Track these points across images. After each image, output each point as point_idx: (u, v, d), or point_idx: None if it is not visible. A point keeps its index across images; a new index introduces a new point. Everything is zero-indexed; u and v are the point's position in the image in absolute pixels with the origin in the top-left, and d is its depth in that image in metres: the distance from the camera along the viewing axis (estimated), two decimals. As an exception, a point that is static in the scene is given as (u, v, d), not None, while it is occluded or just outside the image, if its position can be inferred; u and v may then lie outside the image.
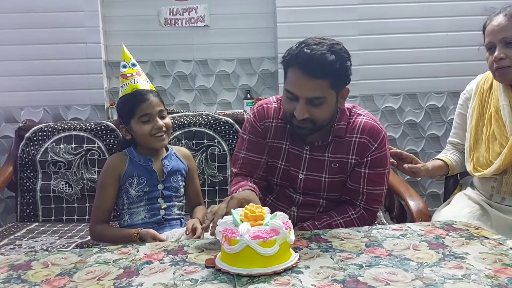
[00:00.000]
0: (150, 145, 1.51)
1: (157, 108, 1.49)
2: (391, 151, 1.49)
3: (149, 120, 1.47)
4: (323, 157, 1.40)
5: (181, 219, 1.58)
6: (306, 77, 1.24)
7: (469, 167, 1.60)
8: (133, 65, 1.55)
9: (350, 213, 1.41)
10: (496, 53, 1.45)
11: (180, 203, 1.60)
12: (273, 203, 1.50)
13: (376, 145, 1.37)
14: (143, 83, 1.52)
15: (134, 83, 1.50)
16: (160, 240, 1.36)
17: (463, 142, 1.68)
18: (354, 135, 1.38)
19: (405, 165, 1.54)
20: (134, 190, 1.49)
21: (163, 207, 1.52)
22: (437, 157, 1.73)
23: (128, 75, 1.52)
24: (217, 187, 2.27)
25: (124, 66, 1.54)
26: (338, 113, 1.39)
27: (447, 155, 1.71)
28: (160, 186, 1.52)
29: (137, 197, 1.50)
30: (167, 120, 1.52)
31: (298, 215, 1.47)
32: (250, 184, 1.40)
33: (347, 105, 1.43)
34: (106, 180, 1.50)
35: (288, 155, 1.43)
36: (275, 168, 1.46)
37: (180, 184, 1.58)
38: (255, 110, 1.49)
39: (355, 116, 1.41)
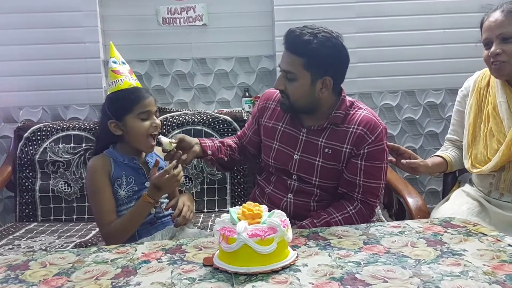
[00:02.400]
0: (142, 145, 1.47)
1: (155, 107, 1.50)
2: (388, 144, 1.49)
3: (147, 118, 1.46)
4: (317, 142, 1.45)
5: (171, 216, 1.56)
6: (286, 51, 1.40)
7: (467, 164, 1.60)
8: (123, 63, 1.53)
9: (348, 209, 1.42)
10: (492, 49, 1.46)
11: (167, 199, 1.57)
12: (272, 192, 1.54)
13: (373, 137, 1.40)
14: (137, 82, 1.52)
15: (128, 80, 1.49)
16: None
17: (461, 139, 1.68)
18: (352, 126, 1.42)
19: (403, 161, 1.51)
20: (123, 190, 1.47)
21: None
22: (436, 154, 1.73)
23: (121, 71, 1.49)
24: (216, 186, 2.27)
25: (115, 62, 1.52)
26: (338, 102, 1.44)
27: (446, 152, 1.71)
28: (147, 183, 1.50)
29: (127, 198, 1.47)
30: (159, 121, 1.51)
31: (295, 202, 1.49)
32: (223, 140, 1.64)
33: (350, 98, 1.48)
34: (99, 182, 1.45)
35: (282, 136, 1.51)
36: (270, 148, 1.54)
37: None
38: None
39: (355, 109, 1.46)
